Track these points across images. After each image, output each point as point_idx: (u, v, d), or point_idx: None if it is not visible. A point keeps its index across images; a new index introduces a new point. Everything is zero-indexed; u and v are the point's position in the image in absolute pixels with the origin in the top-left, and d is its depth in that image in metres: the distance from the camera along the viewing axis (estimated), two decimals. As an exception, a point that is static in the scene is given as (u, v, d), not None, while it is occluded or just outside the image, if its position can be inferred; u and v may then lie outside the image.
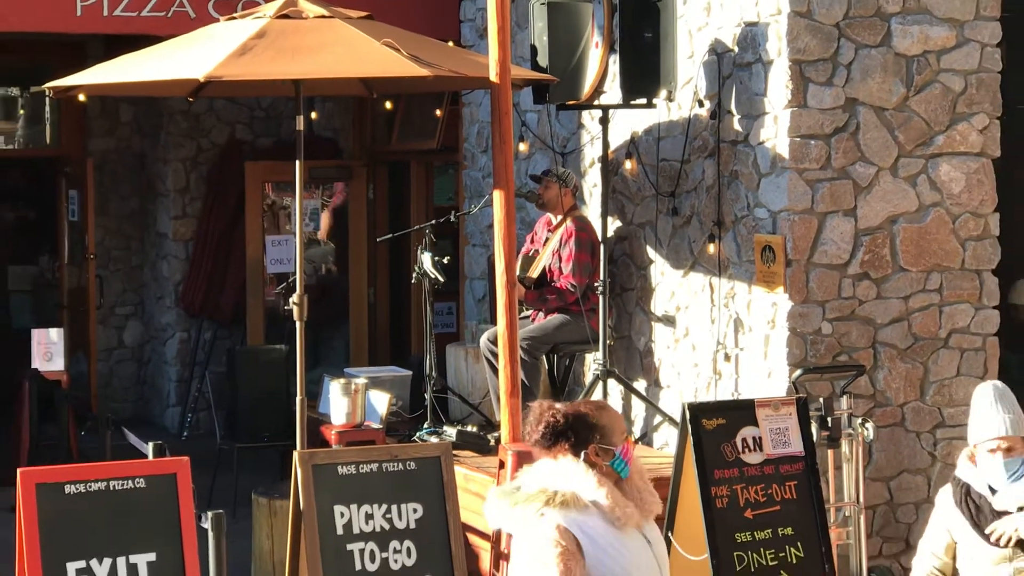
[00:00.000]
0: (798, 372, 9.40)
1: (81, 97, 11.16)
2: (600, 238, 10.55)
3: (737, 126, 10.01)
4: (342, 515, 7.15)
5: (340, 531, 7.13)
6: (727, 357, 10.09)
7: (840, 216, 9.66)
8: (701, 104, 10.29)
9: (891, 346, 9.77)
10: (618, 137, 10.92)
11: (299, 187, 9.49)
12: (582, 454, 5.03)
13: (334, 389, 10.23)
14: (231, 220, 14.82)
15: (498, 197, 9.55)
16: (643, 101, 10.27)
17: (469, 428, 10.85)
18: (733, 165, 10.05)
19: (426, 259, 11.01)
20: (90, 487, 6.80)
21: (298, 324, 9.31)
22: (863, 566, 9.30)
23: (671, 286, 10.69)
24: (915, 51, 9.75)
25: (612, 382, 10.55)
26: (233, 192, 14.80)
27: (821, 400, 9.17)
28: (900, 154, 9.76)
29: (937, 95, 9.80)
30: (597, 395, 10.49)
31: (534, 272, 11.00)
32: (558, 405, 5.20)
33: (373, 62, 9.07)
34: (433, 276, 11.02)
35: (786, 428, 8.66)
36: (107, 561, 6.75)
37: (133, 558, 6.78)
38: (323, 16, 9.34)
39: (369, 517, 7.19)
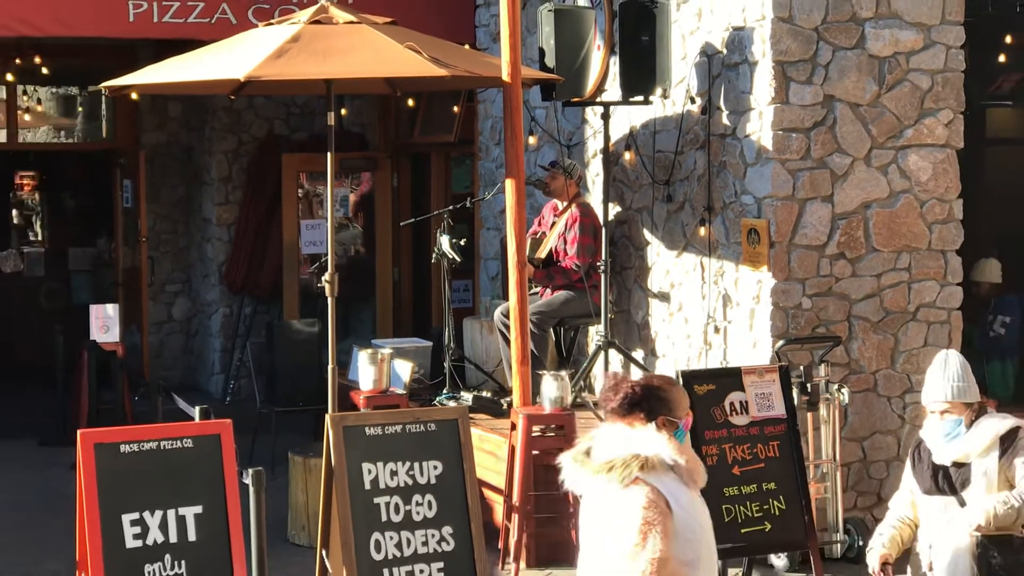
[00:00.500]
0: (780, 343, 9.40)
1: (134, 95, 11.18)
2: (602, 222, 10.55)
3: (725, 121, 9.99)
4: (369, 472, 7.15)
5: (368, 486, 7.13)
6: (716, 329, 10.08)
7: (818, 202, 9.64)
8: (693, 101, 10.27)
9: (865, 319, 9.75)
10: (618, 131, 10.90)
11: (330, 176, 9.48)
12: (653, 422, 5.01)
13: (362, 358, 10.23)
14: (269, 206, 14.82)
15: (509, 185, 9.55)
16: (640, 98, 10.26)
17: (484, 393, 10.87)
18: (722, 156, 10.03)
19: (445, 241, 11.02)
20: (143, 447, 6.81)
21: (330, 300, 9.31)
22: (839, 517, 9.30)
23: (666, 265, 10.68)
24: (886, 52, 9.72)
25: (613, 352, 10.55)
26: (271, 181, 14.80)
27: (801, 368, 9.17)
28: (873, 146, 9.73)
29: (906, 92, 9.77)
30: (599, 364, 10.49)
31: (542, 253, 11.01)
32: (634, 378, 5.16)
33: (397, 63, 9.06)
34: (451, 256, 11.03)
35: (770, 393, 8.66)
36: (158, 513, 6.75)
37: (182, 510, 6.79)
38: (352, 22, 9.32)
39: (394, 473, 7.19)
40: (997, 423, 6.31)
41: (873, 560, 6.44)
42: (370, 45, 9.12)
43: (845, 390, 9.29)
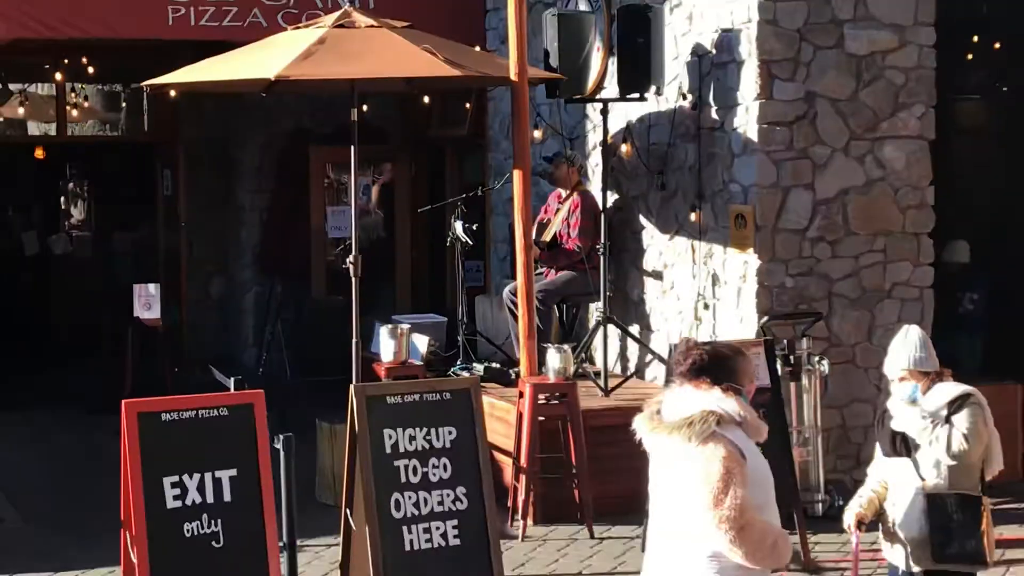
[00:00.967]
0: (765, 318, 9.40)
1: (173, 93, 11.17)
2: (601, 208, 10.54)
3: (714, 115, 9.98)
4: (390, 437, 7.16)
5: (388, 450, 7.14)
6: (706, 306, 10.08)
7: (801, 189, 9.64)
8: (684, 97, 10.27)
9: (843, 297, 9.75)
10: (616, 125, 10.89)
11: (354, 167, 9.49)
12: (718, 388, 5.03)
13: (383, 333, 10.24)
14: (298, 194, 14.81)
15: (517, 175, 9.56)
16: (636, 95, 10.25)
17: (494, 365, 10.88)
18: (711, 148, 10.02)
19: (458, 226, 11.03)
20: (182, 415, 6.81)
21: (353, 279, 9.32)
22: (821, 479, 9.32)
23: (659, 248, 10.68)
24: (864, 52, 9.71)
25: (611, 327, 10.55)
26: (299, 171, 14.78)
27: (785, 342, 9.18)
28: (851, 138, 9.73)
29: (882, 88, 9.76)
30: (598, 338, 10.49)
31: (547, 236, 11.01)
32: (704, 345, 5.18)
33: (414, 64, 9.06)
34: (464, 240, 11.04)
35: (756, 365, 8.66)
36: (196, 476, 6.76)
37: (218, 473, 6.79)
38: (373, 26, 9.32)
39: (412, 438, 7.20)
40: (950, 389, 6.30)
41: (849, 518, 6.44)
42: (390, 47, 9.12)
43: (825, 362, 9.30)
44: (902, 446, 6.35)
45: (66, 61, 14.48)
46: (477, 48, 11.66)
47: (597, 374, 10.31)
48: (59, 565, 8.65)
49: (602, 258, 10.37)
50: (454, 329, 11.41)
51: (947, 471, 6.17)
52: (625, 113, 10.87)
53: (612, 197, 10.88)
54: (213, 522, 6.72)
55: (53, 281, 17.30)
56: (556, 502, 9.32)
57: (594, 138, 11.33)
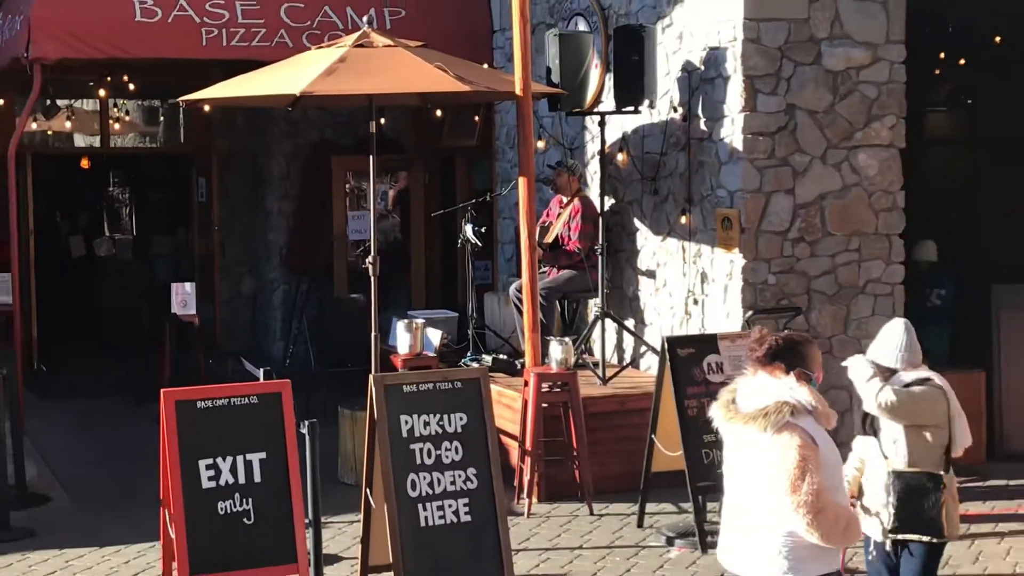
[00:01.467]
0: (750, 313, 9.39)
1: (206, 107, 11.18)
2: (599, 212, 10.53)
3: (703, 126, 9.96)
4: (406, 422, 7.15)
5: (405, 434, 7.14)
6: (695, 302, 10.07)
7: (782, 194, 9.62)
8: (675, 110, 10.25)
9: (821, 293, 9.74)
10: (612, 136, 10.88)
11: (372, 175, 9.49)
12: (791, 373, 5.01)
13: (399, 327, 10.24)
14: (321, 200, 14.81)
15: (521, 182, 9.55)
16: (631, 108, 10.24)
17: (501, 356, 10.87)
18: (700, 156, 10.01)
19: (468, 229, 11.02)
20: (216, 403, 6.82)
21: (372, 278, 9.32)
22: (800, 459, 9.28)
23: (652, 248, 10.66)
24: (840, 67, 9.69)
25: (608, 321, 10.54)
26: (322, 179, 14.78)
27: (768, 334, 9.15)
28: (828, 146, 9.71)
29: (856, 101, 9.75)
30: (596, 332, 10.48)
31: (549, 238, 10.99)
32: (778, 333, 5.15)
33: (428, 80, 9.05)
34: (473, 242, 11.03)
35: (741, 355, 8.62)
36: (229, 459, 6.76)
37: (249, 456, 6.79)
38: (389, 45, 9.31)
39: (426, 424, 7.19)
40: (910, 375, 6.27)
41: None
42: (405, 65, 9.11)
43: (805, 352, 9.26)
44: (870, 427, 6.34)
45: (109, 79, 14.49)
46: (485, 65, 11.65)
47: (596, 364, 10.30)
48: (103, 540, 8.65)
49: (600, 258, 10.36)
50: (464, 323, 11.41)
51: (906, 450, 6.14)
52: (621, 125, 10.86)
53: (609, 202, 10.87)
54: (244, 500, 6.73)
55: (98, 281, 17.30)
56: (558, 482, 9.32)
57: (592, 148, 11.32)
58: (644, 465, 8.70)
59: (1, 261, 12.39)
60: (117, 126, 16.17)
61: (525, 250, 9.61)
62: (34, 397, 12.62)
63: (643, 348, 10.63)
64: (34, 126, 14.96)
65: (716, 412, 5.13)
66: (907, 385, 6.17)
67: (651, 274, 10.69)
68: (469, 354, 10.93)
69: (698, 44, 9.96)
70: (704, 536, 8.20)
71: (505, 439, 9.35)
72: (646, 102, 10.20)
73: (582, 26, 11.08)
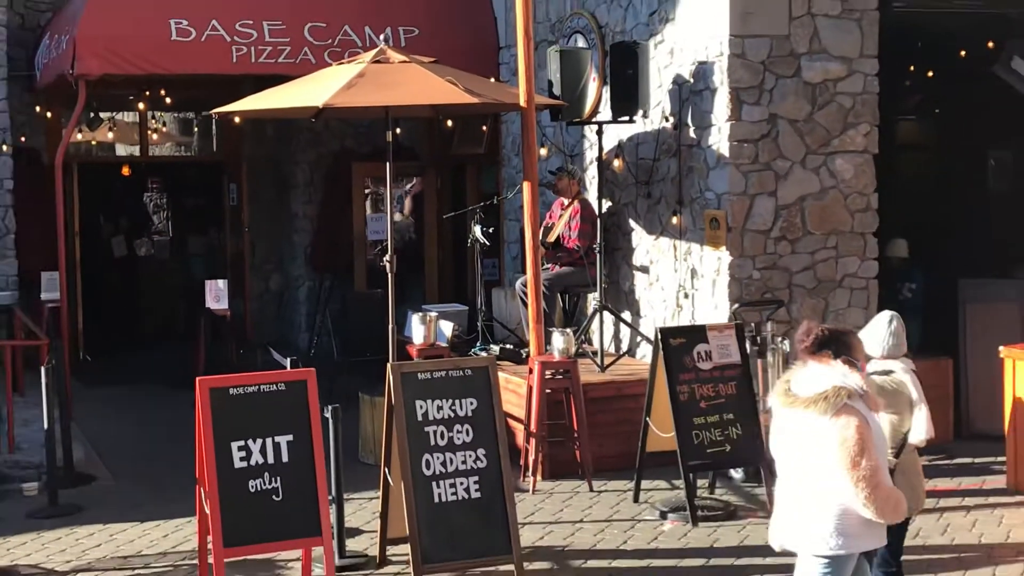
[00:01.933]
0: (736, 305, 9.38)
1: (237, 119, 11.17)
2: (597, 214, 10.53)
3: (692, 135, 9.96)
4: (421, 407, 7.17)
5: (420, 418, 7.15)
6: (686, 296, 10.07)
7: (765, 196, 9.62)
8: (667, 119, 10.24)
9: (802, 287, 9.73)
10: (609, 143, 10.88)
11: (389, 180, 9.48)
12: (838, 360, 5.03)
13: (414, 319, 10.24)
14: (342, 203, 14.83)
15: (526, 187, 9.54)
16: (626, 118, 10.23)
17: (508, 346, 10.87)
18: (689, 162, 10.00)
19: (477, 229, 11.01)
20: (247, 390, 6.82)
21: (389, 275, 9.31)
22: (782, 440, 9.28)
23: (646, 246, 10.66)
24: (818, 80, 9.68)
25: (606, 314, 10.54)
26: (343, 184, 14.80)
27: (752, 325, 9.16)
28: (807, 152, 9.70)
29: (834, 111, 9.74)
30: (595, 323, 10.48)
31: (551, 238, 10.99)
32: (824, 325, 5.16)
33: (440, 93, 9.04)
34: (482, 241, 11.03)
35: (728, 344, 8.64)
36: (259, 440, 6.76)
37: (277, 438, 6.79)
38: (404, 61, 9.30)
39: (439, 408, 7.20)
40: (877, 365, 6.25)
41: None
42: (419, 79, 9.11)
43: (787, 342, 9.26)
44: None
45: (147, 93, 14.52)
46: (492, 79, 11.65)
47: (595, 353, 10.30)
48: (143, 516, 8.67)
49: (598, 256, 10.36)
50: (474, 316, 11.41)
51: None
52: (617, 133, 10.85)
53: (606, 204, 10.87)
54: (273, 479, 6.73)
55: (138, 279, 17.32)
56: (560, 461, 9.32)
57: (591, 154, 11.32)
58: (639, 445, 8.70)
59: (50, 261, 12.43)
60: (155, 136, 16.20)
61: (529, 249, 9.62)
62: (80, 385, 12.63)
63: (638, 338, 10.63)
64: (79, 137, 15.00)
65: (774, 399, 5.14)
66: (870, 375, 6.16)
67: (645, 270, 10.69)
68: (478, 344, 10.93)
69: (688, 59, 9.96)
70: (694, 510, 8.20)
71: (512, 422, 9.36)
72: (640, 112, 10.19)
73: (581, 43, 11.07)
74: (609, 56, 10.22)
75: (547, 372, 9.14)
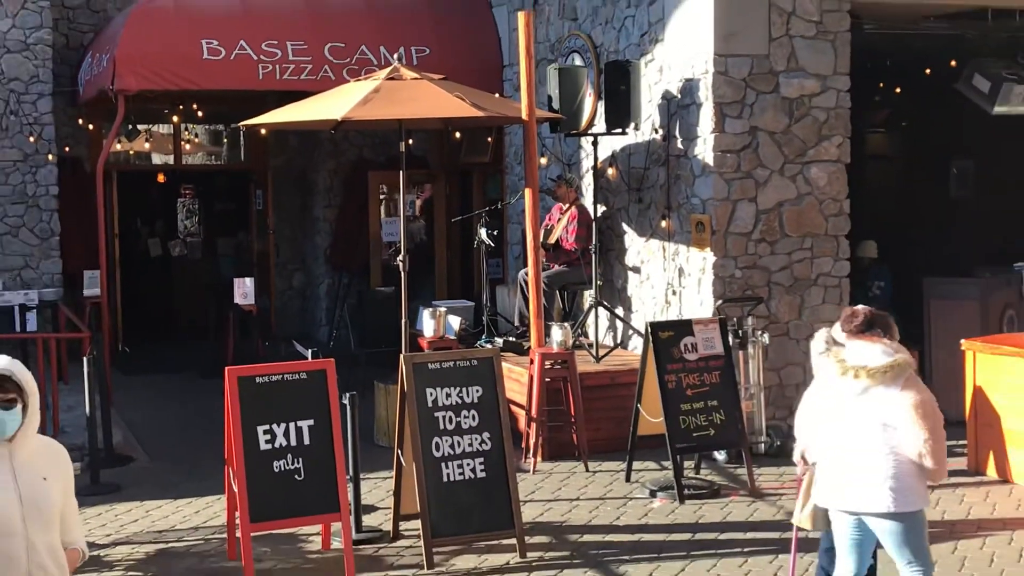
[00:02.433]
0: (720, 302, 9.37)
1: (263, 131, 11.16)
2: (592, 218, 10.52)
3: (680, 145, 9.95)
4: (431, 394, 7.17)
5: (430, 404, 7.16)
6: (674, 293, 10.06)
7: (746, 202, 9.61)
8: (656, 131, 10.23)
9: (780, 285, 9.72)
10: (604, 153, 10.87)
11: (402, 187, 9.49)
12: (887, 338, 5.12)
13: (425, 314, 10.24)
14: (359, 208, 14.82)
15: (527, 193, 9.54)
16: (619, 130, 10.21)
17: (511, 339, 10.87)
18: (677, 170, 9.99)
19: (482, 232, 11.02)
20: (272, 378, 6.83)
21: (402, 273, 9.32)
22: (763, 424, 9.30)
23: (638, 247, 10.65)
24: (795, 95, 9.67)
25: (601, 309, 10.53)
26: (360, 191, 14.79)
27: (735, 319, 9.16)
28: (785, 162, 9.69)
29: (809, 124, 9.72)
30: (591, 318, 10.48)
31: (551, 240, 10.99)
32: (868, 308, 5.27)
33: (449, 107, 9.04)
34: (487, 243, 11.04)
35: (713, 337, 8.64)
36: (283, 425, 6.77)
37: (299, 423, 6.80)
38: (416, 78, 9.31)
39: (448, 395, 7.20)
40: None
41: (796, 454, 6.42)
42: (430, 94, 9.11)
43: (766, 335, 9.27)
44: None
45: (181, 107, 14.52)
46: (496, 95, 11.65)
47: (590, 345, 10.29)
48: (176, 494, 8.67)
49: (593, 256, 10.36)
50: (480, 311, 11.41)
51: None
52: (611, 144, 10.85)
53: (601, 209, 10.85)
54: (296, 460, 6.74)
55: (172, 277, 17.32)
56: (559, 444, 9.32)
57: (587, 164, 11.31)
58: (631, 430, 8.70)
59: (91, 260, 12.44)
60: (188, 147, 16.19)
61: (530, 250, 9.61)
62: (119, 374, 12.65)
63: (630, 332, 10.62)
64: (118, 147, 14.99)
65: (833, 370, 5.17)
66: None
67: (637, 269, 10.68)
68: (484, 337, 10.93)
69: (676, 76, 9.95)
70: (681, 489, 8.19)
71: (514, 408, 9.36)
72: (632, 125, 10.18)
73: (578, 61, 11.07)
74: (604, 74, 10.21)
75: (547, 362, 9.14)
